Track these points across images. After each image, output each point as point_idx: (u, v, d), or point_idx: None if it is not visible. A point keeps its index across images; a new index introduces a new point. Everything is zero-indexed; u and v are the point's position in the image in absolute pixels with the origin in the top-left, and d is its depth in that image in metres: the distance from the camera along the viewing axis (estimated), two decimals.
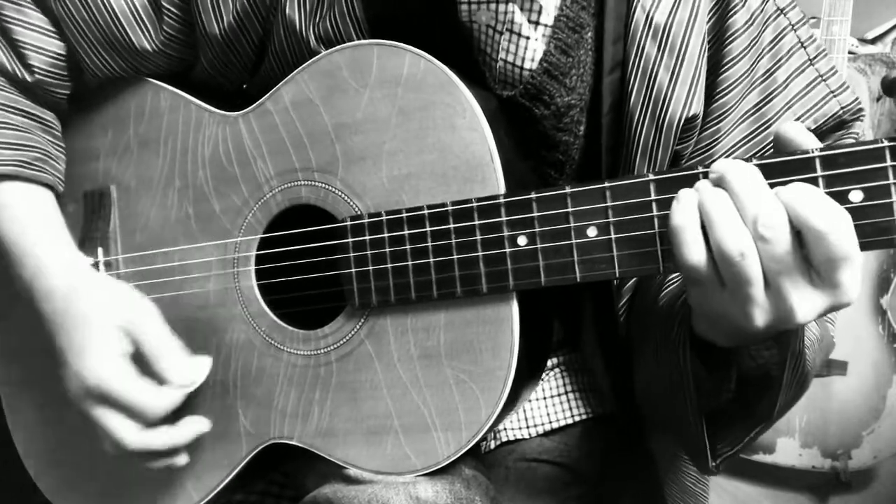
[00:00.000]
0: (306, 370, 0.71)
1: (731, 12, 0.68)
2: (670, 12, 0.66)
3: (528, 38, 0.67)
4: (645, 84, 0.67)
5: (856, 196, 0.50)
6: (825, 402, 1.66)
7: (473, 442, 0.64)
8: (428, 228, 0.64)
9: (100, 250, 0.79)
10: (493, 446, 0.87)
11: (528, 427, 0.87)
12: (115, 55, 0.77)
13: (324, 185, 0.69)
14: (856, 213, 0.50)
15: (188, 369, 0.71)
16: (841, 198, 0.50)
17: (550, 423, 0.87)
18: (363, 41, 0.68)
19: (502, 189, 0.63)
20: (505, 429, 0.87)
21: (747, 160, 0.52)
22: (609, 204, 0.58)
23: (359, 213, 0.67)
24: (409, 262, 0.65)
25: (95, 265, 0.79)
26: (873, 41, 1.84)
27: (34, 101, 0.78)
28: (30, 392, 0.84)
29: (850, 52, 1.60)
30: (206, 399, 0.75)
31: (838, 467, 1.68)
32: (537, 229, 0.60)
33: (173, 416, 0.71)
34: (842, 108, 0.69)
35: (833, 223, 0.47)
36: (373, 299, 0.66)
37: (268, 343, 0.72)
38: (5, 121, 0.74)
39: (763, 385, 0.64)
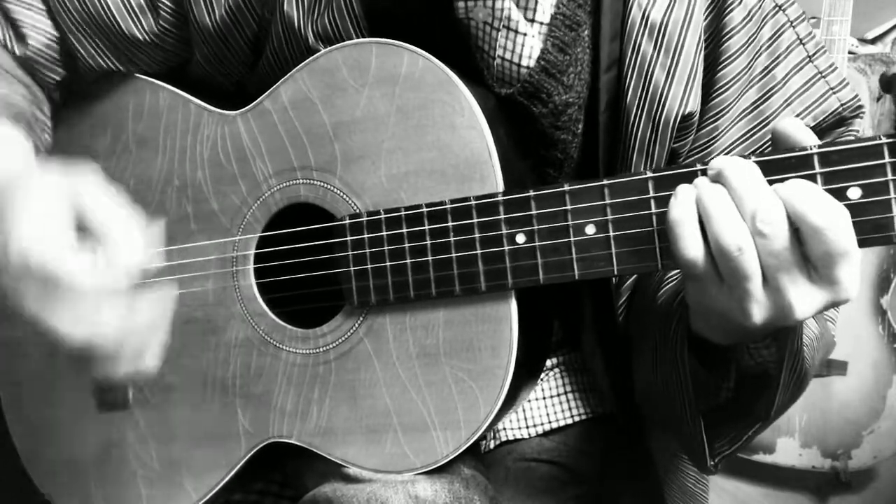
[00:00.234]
0: (305, 369, 0.70)
1: (728, 9, 0.68)
2: (666, 10, 0.66)
3: (524, 34, 0.67)
4: (641, 82, 0.67)
5: (854, 193, 0.50)
6: (825, 402, 1.66)
7: (472, 440, 0.64)
8: (426, 227, 0.64)
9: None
10: (492, 446, 0.87)
11: (527, 427, 0.87)
12: (106, 42, 0.77)
13: (322, 184, 0.69)
14: (854, 209, 0.50)
15: (137, 248, 0.58)
16: (839, 194, 0.50)
17: (550, 422, 0.87)
18: (362, 40, 0.68)
19: (501, 187, 0.63)
20: (504, 428, 0.87)
21: (746, 157, 0.52)
22: (607, 202, 0.58)
23: (357, 211, 0.67)
24: (408, 261, 0.65)
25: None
26: (873, 41, 1.84)
27: (25, 72, 0.78)
28: (29, 391, 0.84)
29: (850, 53, 1.60)
30: (204, 398, 0.75)
31: (838, 467, 1.68)
32: (536, 227, 0.60)
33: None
34: (841, 104, 0.69)
35: (831, 219, 0.47)
36: (371, 298, 0.66)
37: (266, 342, 0.72)
38: None
39: (761, 384, 0.64)
